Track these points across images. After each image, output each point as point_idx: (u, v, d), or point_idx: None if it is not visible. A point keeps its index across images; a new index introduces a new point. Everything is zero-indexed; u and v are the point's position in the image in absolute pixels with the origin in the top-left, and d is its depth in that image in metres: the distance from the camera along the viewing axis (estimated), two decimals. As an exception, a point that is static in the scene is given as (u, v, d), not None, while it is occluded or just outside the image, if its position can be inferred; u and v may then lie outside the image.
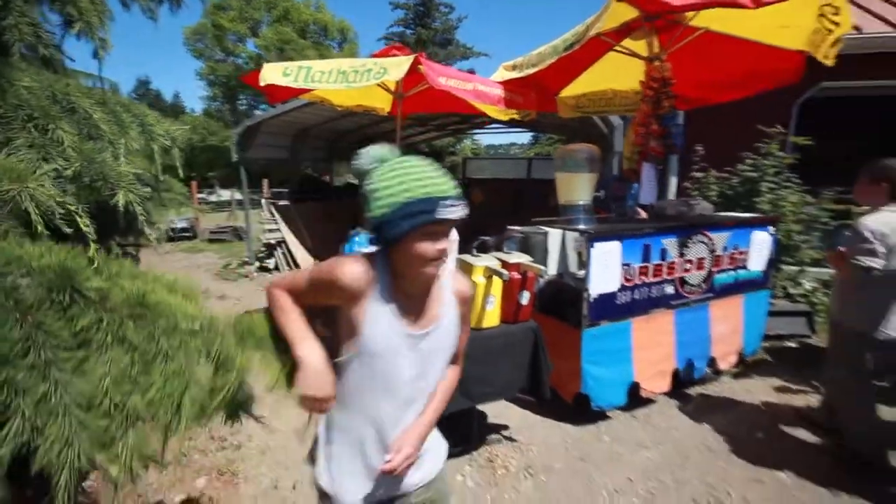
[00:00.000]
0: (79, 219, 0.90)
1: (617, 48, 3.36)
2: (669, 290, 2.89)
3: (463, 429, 2.45)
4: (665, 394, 2.96)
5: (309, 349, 0.98)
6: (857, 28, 4.93)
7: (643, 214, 3.21)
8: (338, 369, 1.01)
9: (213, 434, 2.59)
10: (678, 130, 3.07)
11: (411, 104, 4.16)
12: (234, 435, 2.60)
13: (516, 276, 2.20)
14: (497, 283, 2.18)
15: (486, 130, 10.97)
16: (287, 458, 2.41)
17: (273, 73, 2.87)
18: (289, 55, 22.54)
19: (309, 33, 24.30)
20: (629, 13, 2.58)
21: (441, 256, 0.95)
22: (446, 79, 2.74)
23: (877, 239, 2.08)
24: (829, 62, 2.82)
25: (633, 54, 3.24)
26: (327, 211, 8.37)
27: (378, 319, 0.97)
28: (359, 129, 9.10)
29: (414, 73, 2.87)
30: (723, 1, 2.28)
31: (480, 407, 2.83)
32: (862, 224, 2.15)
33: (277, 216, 7.31)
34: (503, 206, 8.35)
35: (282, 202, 7.86)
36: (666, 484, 2.22)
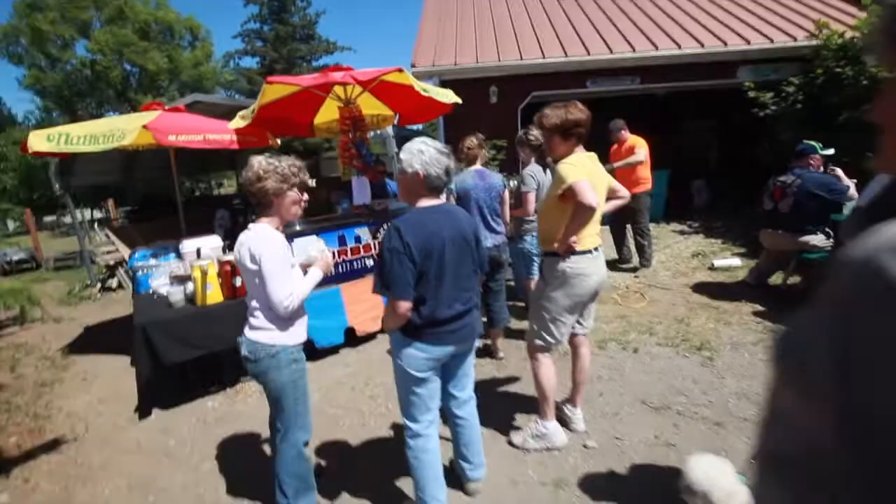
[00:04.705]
0: None
1: (330, 97, 4.70)
2: (370, 262, 4.35)
3: (215, 372, 3.69)
4: (381, 331, 4.45)
5: None
6: (542, 55, 6.88)
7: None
8: None
9: (28, 412, 3.53)
10: (366, 152, 4.51)
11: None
12: (45, 409, 3.57)
13: (227, 268, 3.45)
14: (212, 275, 3.41)
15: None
16: (88, 414, 3.46)
17: (38, 141, 3.71)
18: (130, 59, 21.14)
19: (152, 34, 22.81)
20: (282, 90, 3.86)
21: None
22: (175, 136, 3.81)
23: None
24: (457, 99, 4.44)
25: (338, 98, 4.58)
26: (172, 226, 8.89)
27: None
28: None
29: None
30: (333, 81, 3.67)
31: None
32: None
33: (113, 237, 7.76)
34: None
35: (119, 223, 8.23)
36: (345, 384, 3.65)
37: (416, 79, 5.60)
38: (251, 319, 2.05)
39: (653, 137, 7.78)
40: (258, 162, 2.00)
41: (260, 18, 27.14)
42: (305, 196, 2.12)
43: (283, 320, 2.04)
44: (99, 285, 7.81)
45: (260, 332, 2.02)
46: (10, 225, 21.93)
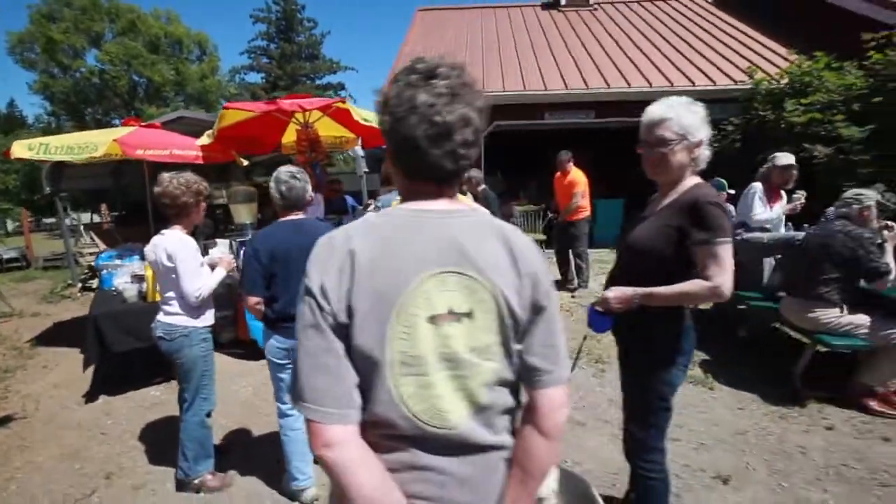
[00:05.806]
0: None
1: (292, 121, 5.19)
2: (315, 270, 4.77)
3: (161, 366, 4.05)
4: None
5: None
6: (504, 88, 7.44)
7: None
8: None
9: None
10: (319, 171, 4.97)
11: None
12: (4, 392, 3.94)
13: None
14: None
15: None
16: (41, 397, 3.82)
17: (20, 149, 4.18)
18: (138, 70, 21.99)
19: (161, 47, 23.73)
20: (239, 115, 4.36)
21: None
22: (143, 150, 4.28)
23: None
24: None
25: (298, 123, 5.07)
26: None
27: None
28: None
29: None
30: (282, 108, 4.15)
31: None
32: None
33: (97, 239, 8.19)
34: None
35: (105, 227, 8.67)
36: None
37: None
38: (166, 307, 2.46)
39: (610, 168, 8.28)
40: (175, 180, 2.40)
41: (267, 36, 28.21)
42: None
43: (194, 308, 2.44)
44: (80, 285, 8.21)
45: (174, 317, 2.43)
46: (10, 225, 22.45)
